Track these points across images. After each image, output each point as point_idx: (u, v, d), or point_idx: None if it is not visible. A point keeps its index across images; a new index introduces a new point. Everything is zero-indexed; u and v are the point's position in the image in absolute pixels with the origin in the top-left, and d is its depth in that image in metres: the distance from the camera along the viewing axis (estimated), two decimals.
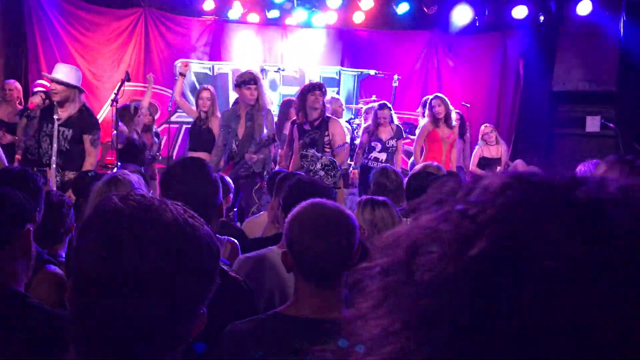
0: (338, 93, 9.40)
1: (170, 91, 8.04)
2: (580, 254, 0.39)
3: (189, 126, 7.19)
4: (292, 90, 8.67)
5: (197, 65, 9.62)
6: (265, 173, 5.71)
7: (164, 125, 8.18)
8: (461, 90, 9.83)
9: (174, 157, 8.27)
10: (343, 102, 8.34)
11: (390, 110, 7.29)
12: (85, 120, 5.52)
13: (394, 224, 2.97)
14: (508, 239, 0.41)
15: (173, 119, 8.66)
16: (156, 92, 8.49)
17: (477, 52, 10.19)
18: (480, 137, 8.27)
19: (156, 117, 8.02)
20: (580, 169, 1.48)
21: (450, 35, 9.98)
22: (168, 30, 9.62)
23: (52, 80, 5.50)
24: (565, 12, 9.42)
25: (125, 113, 6.51)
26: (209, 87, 7.06)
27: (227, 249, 3.03)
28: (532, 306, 0.39)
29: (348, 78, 10.16)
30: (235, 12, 9.53)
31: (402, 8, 9.63)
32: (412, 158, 7.64)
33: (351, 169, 7.37)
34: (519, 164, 7.32)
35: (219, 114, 6.55)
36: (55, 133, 5.39)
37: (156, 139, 7.50)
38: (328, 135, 5.82)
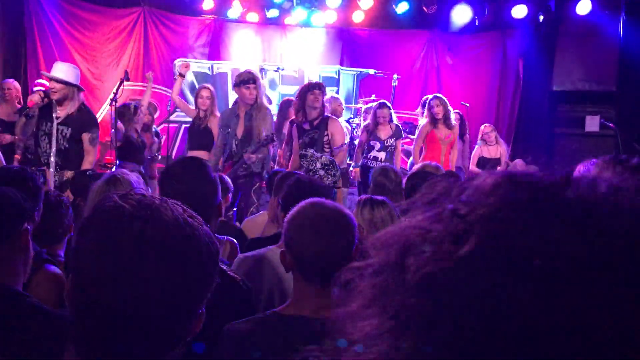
0: (337, 92, 9.40)
1: (170, 90, 8.04)
2: (565, 253, 0.39)
3: (188, 125, 7.19)
4: (292, 90, 8.67)
5: (196, 65, 9.61)
6: (264, 172, 5.71)
7: (163, 125, 8.18)
8: (461, 89, 9.84)
9: (173, 157, 8.27)
10: (342, 102, 8.34)
11: (390, 109, 7.29)
12: (84, 119, 5.51)
13: (393, 224, 2.97)
14: (496, 238, 0.41)
15: (172, 118, 8.66)
16: (155, 91, 8.49)
17: (476, 52, 10.19)
18: (480, 136, 8.26)
19: (155, 116, 8.02)
20: (580, 168, 1.48)
21: (450, 34, 9.99)
22: (167, 30, 9.62)
23: (51, 79, 5.49)
24: (565, 12, 9.43)
25: (125, 112, 6.50)
26: (209, 86, 7.06)
27: (226, 249, 3.03)
28: (516, 304, 0.39)
29: (347, 77, 10.16)
30: (234, 11, 9.53)
31: (402, 7, 9.63)
32: (412, 158, 7.64)
33: (351, 167, 7.37)
34: (519, 164, 7.33)
35: (218, 113, 6.55)
36: (54, 132, 5.39)
37: (156, 139, 7.49)
38: (327, 134, 5.81)
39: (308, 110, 5.81)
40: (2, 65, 8.54)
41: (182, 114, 8.16)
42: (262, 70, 8.89)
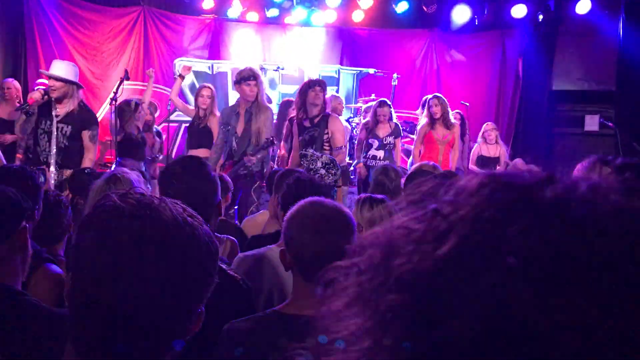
0: (337, 92, 9.40)
1: (170, 90, 8.04)
2: (538, 251, 0.40)
3: (188, 125, 7.19)
4: (292, 89, 8.67)
5: (196, 64, 9.61)
6: (264, 171, 5.70)
7: (163, 124, 8.18)
8: (460, 89, 9.84)
9: (173, 156, 8.27)
10: (343, 100, 8.35)
11: (390, 107, 7.28)
12: (84, 116, 5.52)
13: None
14: (475, 237, 0.42)
15: (172, 117, 8.66)
16: (155, 90, 8.48)
17: (476, 51, 10.19)
18: (480, 134, 8.24)
19: (156, 115, 8.01)
20: (579, 168, 1.48)
21: (450, 34, 9.98)
22: (167, 29, 9.62)
23: (50, 77, 5.49)
24: (565, 11, 9.43)
25: (125, 108, 6.48)
26: (210, 85, 7.06)
27: (226, 247, 3.03)
28: (496, 303, 0.39)
29: (347, 77, 10.16)
30: (234, 10, 9.53)
31: (402, 7, 9.63)
32: (411, 158, 7.64)
33: (354, 164, 7.35)
34: (518, 163, 7.32)
35: (217, 113, 6.55)
36: (54, 130, 5.39)
37: (158, 139, 7.46)
38: (327, 133, 5.79)
39: (309, 107, 5.80)
40: (2, 65, 8.54)
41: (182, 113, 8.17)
42: (262, 69, 8.87)
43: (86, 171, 4.31)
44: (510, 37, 9.98)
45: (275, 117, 6.83)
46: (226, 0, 9.42)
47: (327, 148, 5.73)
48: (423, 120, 7.39)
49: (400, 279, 0.43)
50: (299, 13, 9.68)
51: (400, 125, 7.47)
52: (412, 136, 7.99)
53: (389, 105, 7.31)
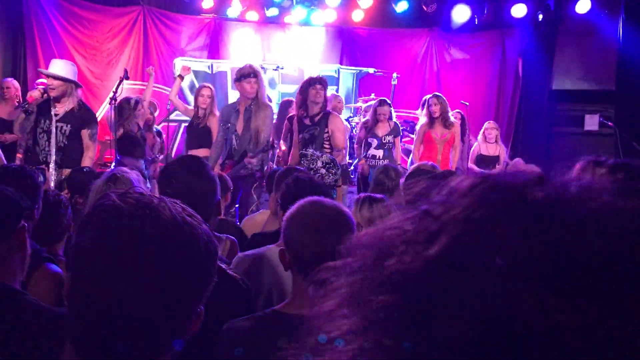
0: (337, 91, 9.39)
1: (169, 89, 8.04)
2: (526, 251, 0.40)
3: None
4: (291, 89, 8.67)
5: (196, 64, 9.61)
6: (265, 169, 5.70)
7: (163, 124, 8.18)
8: (460, 88, 9.83)
9: (172, 155, 8.27)
10: (343, 100, 8.35)
11: (390, 107, 7.28)
12: (84, 115, 5.52)
13: None
14: (465, 238, 0.42)
15: (172, 117, 8.66)
16: (155, 90, 8.48)
17: (476, 51, 10.19)
18: (481, 132, 8.23)
19: (156, 114, 8.01)
20: (578, 167, 1.48)
21: (449, 33, 9.99)
22: (167, 28, 9.62)
23: (49, 76, 5.49)
24: (564, 11, 9.44)
25: (125, 106, 6.46)
26: (209, 85, 7.06)
27: (226, 247, 3.03)
28: (482, 303, 0.40)
29: (347, 76, 10.16)
30: (234, 10, 9.53)
31: (401, 6, 9.63)
32: (411, 156, 7.63)
33: (355, 163, 7.35)
34: (519, 163, 7.31)
35: (217, 113, 6.54)
36: (53, 129, 5.38)
37: (158, 139, 7.44)
38: (327, 132, 5.78)
39: (310, 105, 5.78)
40: (2, 65, 8.54)
41: None
42: (262, 68, 8.86)
43: (85, 170, 4.31)
44: (510, 37, 9.98)
45: (275, 116, 6.83)
46: None
47: (327, 147, 5.72)
48: (422, 119, 7.38)
49: (392, 279, 0.43)
50: (298, 12, 9.68)
51: (399, 125, 7.47)
52: (412, 136, 7.99)
53: (389, 104, 7.31)
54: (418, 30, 10.23)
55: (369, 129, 7.20)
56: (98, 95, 9.07)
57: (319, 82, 5.83)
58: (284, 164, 6.43)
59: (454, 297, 0.40)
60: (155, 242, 0.95)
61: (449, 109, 7.36)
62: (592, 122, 9.44)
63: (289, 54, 9.93)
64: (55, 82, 5.40)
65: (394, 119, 7.34)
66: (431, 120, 7.18)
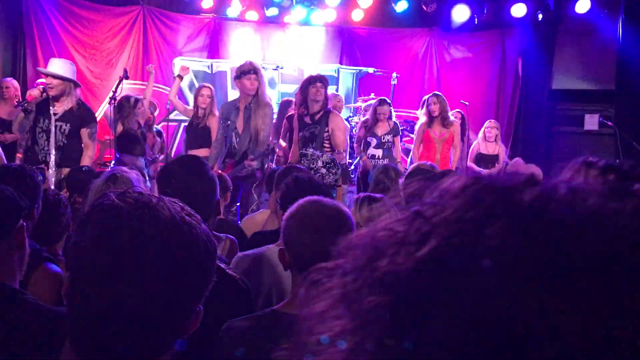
0: (337, 91, 9.40)
1: (169, 89, 8.04)
2: (513, 252, 0.40)
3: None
4: (291, 88, 8.66)
5: (196, 63, 9.61)
6: (265, 167, 5.69)
7: (163, 123, 8.18)
8: (460, 88, 9.83)
9: (172, 155, 8.27)
10: (343, 99, 8.35)
11: (390, 106, 7.28)
12: (83, 114, 5.52)
13: None
14: (455, 239, 0.42)
15: (172, 116, 8.66)
16: (155, 90, 8.48)
17: (476, 50, 10.19)
18: (481, 131, 8.22)
19: (155, 114, 8.01)
20: (570, 168, 1.48)
21: (449, 33, 9.98)
22: (166, 28, 9.61)
23: (47, 75, 5.48)
24: (564, 11, 9.44)
25: (125, 104, 6.45)
26: (209, 85, 7.06)
27: (226, 247, 3.03)
28: (469, 304, 0.40)
29: (347, 76, 10.16)
30: (233, 10, 9.53)
31: (401, 6, 9.63)
32: (410, 155, 7.63)
33: (356, 163, 7.33)
34: (519, 162, 7.31)
35: (217, 113, 6.53)
36: (53, 128, 5.38)
37: (158, 139, 7.43)
38: (328, 130, 5.77)
39: (310, 103, 5.77)
40: (1, 64, 8.54)
41: None
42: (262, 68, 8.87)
43: (84, 169, 4.31)
44: (509, 36, 9.97)
45: (275, 116, 6.82)
46: None
47: (327, 146, 5.71)
48: (422, 118, 7.38)
49: (383, 280, 0.43)
50: (298, 12, 9.68)
51: (399, 124, 7.46)
52: (412, 135, 7.98)
53: (389, 103, 7.31)
54: (418, 30, 10.22)
55: (368, 128, 7.19)
56: (98, 95, 9.07)
57: (320, 80, 5.81)
58: (285, 160, 6.43)
59: (444, 298, 0.40)
60: (154, 242, 0.95)
61: (449, 108, 7.35)
62: (591, 122, 9.44)
63: (288, 54, 9.93)
64: (55, 81, 5.40)
65: (394, 119, 7.34)
66: (430, 119, 7.17)
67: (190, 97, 8.33)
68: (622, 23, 8.83)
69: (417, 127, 7.48)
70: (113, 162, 5.80)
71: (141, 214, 0.96)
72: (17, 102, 6.66)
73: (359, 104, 8.97)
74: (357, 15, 9.86)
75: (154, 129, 7.39)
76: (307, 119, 5.82)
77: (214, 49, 9.81)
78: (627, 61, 8.77)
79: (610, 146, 8.62)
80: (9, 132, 6.41)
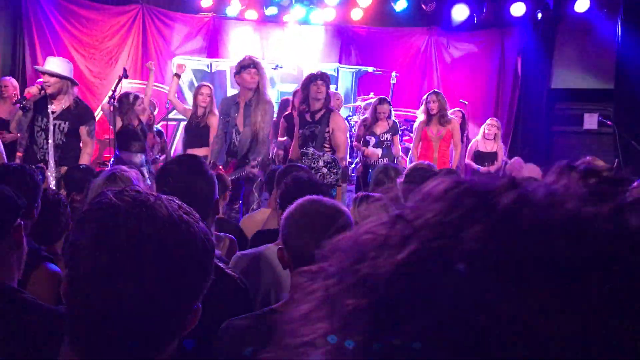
0: (336, 90, 9.39)
1: (168, 88, 8.04)
2: (489, 256, 0.40)
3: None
4: (290, 88, 8.66)
5: (195, 62, 9.60)
6: (267, 165, 5.68)
7: (162, 122, 8.18)
8: (459, 87, 9.83)
9: (171, 154, 8.26)
10: (342, 97, 8.35)
11: (390, 105, 7.27)
12: (81, 112, 5.52)
13: None
14: (434, 242, 0.42)
15: (171, 116, 8.65)
16: (154, 89, 8.48)
17: (475, 50, 10.18)
18: (482, 128, 8.20)
19: (155, 113, 8.01)
20: (554, 171, 1.49)
21: (449, 32, 9.98)
22: (166, 27, 9.61)
23: (45, 73, 5.48)
24: (563, 10, 9.44)
25: (124, 100, 6.43)
26: (208, 84, 7.05)
27: (225, 246, 3.03)
28: (445, 307, 0.40)
29: (346, 75, 10.16)
30: (233, 9, 9.53)
31: (401, 5, 9.63)
32: (409, 154, 7.63)
33: (356, 162, 7.32)
34: (518, 162, 7.31)
35: (216, 112, 6.51)
36: (51, 127, 5.38)
37: (158, 139, 7.41)
38: (328, 131, 5.75)
39: (311, 101, 5.74)
40: (0, 63, 8.53)
41: None
42: None
43: (81, 167, 4.31)
44: (509, 36, 9.97)
45: (275, 115, 6.81)
46: None
47: (327, 146, 5.69)
48: (420, 117, 7.37)
49: (365, 283, 0.44)
50: (297, 11, 9.68)
51: (398, 123, 7.46)
52: (412, 134, 7.98)
53: (389, 102, 7.30)
54: (417, 29, 10.22)
55: (367, 126, 7.19)
56: (97, 94, 9.06)
57: (320, 78, 5.76)
58: (285, 156, 6.42)
59: (422, 301, 0.41)
60: (152, 240, 0.95)
61: (448, 106, 7.34)
62: (591, 121, 9.44)
63: (288, 53, 9.92)
64: (51, 79, 5.40)
65: (393, 118, 7.33)
66: (428, 117, 7.17)
67: (189, 96, 8.32)
68: (621, 22, 8.83)
69: (415, 125, 7.48)
70: (112, 159, 5.80)
71: (139, 213, 0.96)
72: (15, 99, 6.65)
73: (358, 103, 8.97)
74: (356, 14, 9.86)
75: (154, 129, 7.37)
76: (308, 117, 5.79)
77: (213, 48, 9.80)
78: (626, 60, 8.77)
79: (609, 145, 8.62)
80: (8, 132, 6.41)
